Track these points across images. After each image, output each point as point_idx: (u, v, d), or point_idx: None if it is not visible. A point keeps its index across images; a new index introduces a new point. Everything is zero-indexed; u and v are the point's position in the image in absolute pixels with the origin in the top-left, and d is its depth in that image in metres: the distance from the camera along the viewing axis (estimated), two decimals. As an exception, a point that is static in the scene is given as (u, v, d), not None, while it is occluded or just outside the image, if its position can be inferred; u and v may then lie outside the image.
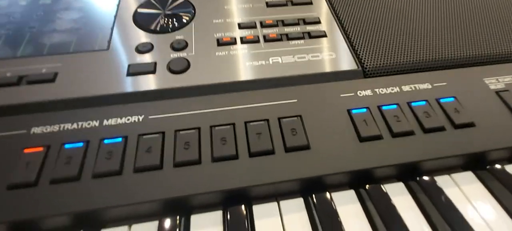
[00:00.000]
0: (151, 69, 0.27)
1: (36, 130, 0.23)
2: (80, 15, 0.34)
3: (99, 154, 0.22)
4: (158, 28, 0.31)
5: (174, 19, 0.32)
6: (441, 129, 0.24)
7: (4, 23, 0.33)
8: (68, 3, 0.35)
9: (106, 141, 0.22)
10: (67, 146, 0.22)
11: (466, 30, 0.33)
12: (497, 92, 0.27)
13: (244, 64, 0.29)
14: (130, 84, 0.26)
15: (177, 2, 0.34)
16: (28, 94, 0.25)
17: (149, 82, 0.27)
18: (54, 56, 0.29)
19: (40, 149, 0.22)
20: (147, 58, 0.29)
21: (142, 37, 0.31)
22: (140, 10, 0.33)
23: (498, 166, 0.24)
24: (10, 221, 0.19)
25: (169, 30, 0.31)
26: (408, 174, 0.23)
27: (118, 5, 0.34)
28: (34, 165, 0.21)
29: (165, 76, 0.27)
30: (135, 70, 0.27)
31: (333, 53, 0.30)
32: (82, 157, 0.21)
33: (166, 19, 0.32)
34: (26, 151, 0.22)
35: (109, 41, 0.30)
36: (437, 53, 0.30)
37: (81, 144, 0.22)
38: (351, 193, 0.22)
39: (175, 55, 0.29)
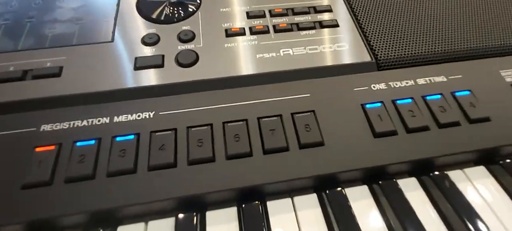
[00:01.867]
0: (159, 62, 0.27)
1: (46, 127, 0.23)
2: (81, 3, 0.33)
3: (112, 151, 0.22)
4: (163, 18, 0.30)
5: (180, 8, 0.31)
6: (456, 124, 0.24)
7: (2, 13, 0.32)
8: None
9: (118, 138, 0.22)
10: (78, 143, 0.22)
11: (482, 20, 0.32)
12: (514, 85, 0.28)
13: (254, 56, 0.28)
14: (138, 79, 0.26)
15: (183, -10, 0.34)
16: (35, 89, 0.25)
17: (157, 77, 0.26)
18: (57, 49, 0.28)
19: (52, 147, 0.22)
20: (154, 50, 0.28)
21: (148, 27, 0.30)
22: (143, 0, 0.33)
23: (509, 161, 0.25)
24: (27, 221, 0.19)
25: (175, 20, 0.30)
26: (421, 169, 0.23)
27: (120, -7, 0.34)
28: (47, 164, 0.21)
29: (174, 70, 0.27)
30: (142, 64, 0.26)
31: (345, 44, 0.30)
32: (95, 155, 0.21)
33: (171, 8, 0.31)
34: (38, 149, 0.22)
35: (113, 32, 0.29)
36: (453, 44, 0.30)
37: (93, 142, 0.22)
38: (365, 188, 0.23)
39: (182, 47, 0.28)
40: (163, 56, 0.27)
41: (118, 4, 0.32)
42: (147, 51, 0.28)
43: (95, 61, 0.27)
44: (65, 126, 0.23)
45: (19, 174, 0.21)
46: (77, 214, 0.20)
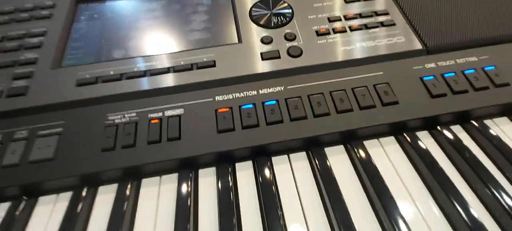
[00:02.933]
0: (277, 55, 0.40)
1: (219, 98, 0.36)
2: (207, 17, 0.46)
3: (265, 110, 0.35)
4: (271, 24, 0.43)
5: (281, 17, 0.44)
6: (486, 88, 0.36)
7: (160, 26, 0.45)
8: (195, 7, 0.47)
9: (266, 103, 0.35)
10: (243, 106, 0.35)
11: (502, 11, 0.43)
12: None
13: (339, 48, 0.40)
14: (266, 66, 0.39)
15: (280, 3, 0.46)
16: (202, 75, 0.38)
17: (279, 64, 0.39)
18: (205, 49, 0.41)
19: (227, 109, 0.35)
20: (270, 47, 0.41)
21: (262, 31, 0.43)
22: (254, 11, 0.45)
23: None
24: (218, 151, 0.31)
25: (279, 25, 0.43)
26: (464, 118, 0.35)
27: (233, 8, 0.46)
28: (228, 119, 0.34)
29: (288, 59, 0.39)
30: (267, 57, 0.39)
31: (402, 37, 0.41)
32: (255, 112, 0.34)
33: (275, 17, 0.44)
34: (219, 110, 0.35)
35: (239, 36, 0.42)
36: (480, 33, 0.41)
37: (251, 106, 0.35)
38: (426, 133, 0.35)
39: (289, 44, 0.41)
40: (278, 50, 0.40)
41: (235, 16, 0.45)
42: (266, 48, 0.41)
43: (235, 56, 0.40)
44: (230, 97, 0.36)
45: (213, 124, 0.33)
46: (248, 148, 0.32)
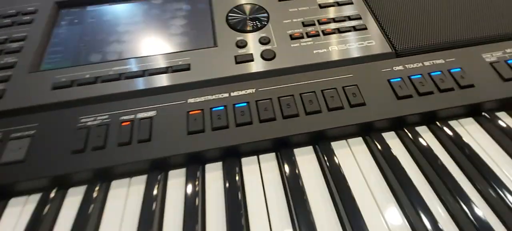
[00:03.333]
0: (251, 58, 0.41)
1: (191, 100, 0.36)
2: (185, 21, 0.47)
3: (235, 112, 0.35)
4: (247, 29, 0.44)
5: (257, 21, 0.45)
6: (451, 89, 0.37)
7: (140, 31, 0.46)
8: (174, 13, 0.48)
9: (237, 105, 0.36)
10: (214, 108, 0.35)
11: (469, 17, 0.45)
12: (491, 63, 0.40)
13: (312, 52, 0.42)
14: (239, 69, 0.40)
15: (255, 9, 0.47)
16: (176, 78, 0.38)
17: (252, 67, 0.40)
18: (181, 53, 0.41)
19: (199, 111, 0.35)
20: (244, 50, 0.42)
21: (237, 35, 0.44)
22: (230, 16, 0.46)
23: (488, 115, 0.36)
24: (188, 152, 0.32)
25: (255, 29, 0.44)
26: (430, 118, 0.36)
27: (211, 13, 0.47)
28: (199, 120, 0.35)
29: (261, 62, 0.40)
30: (240, 60, 0.40)
31: (373, 41, 0.42)
32: (226, 114, 0.35)
33: (251, 22, 0.45)
34: (191, 113, 0.35)
35: (215, 40, 0.43)
36: (448, 37, 0.43)
37: (222, 108, 0.36)
38: (392, 133, 0.35)
39: (263, 48, 0.42)
40: (252, 54, 0.41)
41: (212, 20, 0.46)
42: (241, 51, 0.42)
43: (209, 59, 0.41)
44: (202, 99, 0.36)
45: (184, 126, 0.34)
46: (217, 148, 0.32)
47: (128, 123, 0.35)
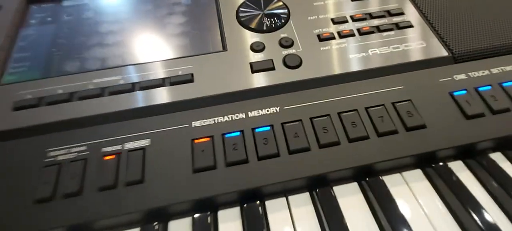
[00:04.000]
0: (271, 66, 0.32)
1: (196, 123, 0.28)
2: (186, 19, 0.38)
3: (256, 140, 0.27)
4: (263, 28, 0.36)
5: (275, 18, 0.37)
6: (532, 104, 0.29)
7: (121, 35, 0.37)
8: (171, 8, 0.40)
9: (257, 130, 0.28)
10: (227, 135, 0.27)
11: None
12: None
13: (347, 57, 0.33)
14: (257, 80, 0.31)
15: (273, 2, 0.38)
16: (176, 93, 0.30)
17: (273, 78, 0.31)
18: (181, 59, 0.33)
19: (207, 139, 0.27)
20: (262, 56, 0.33)
21: (252, 36, 0.35)
22: (242, 11, 0.37)
23: None
24: (194, 199, 0.24)
25: (273, 28, 0.35)
26: (506, 145, 0.28)
27: (218, 8, 0.38)
28: (208, 152, 0.26)
29: (284, 71, 0.32)
30: (258, 68, 0.32)
31: (423, 42, 0.34)
32: (243, 143, 0.27)
33: (267, 18, 0.37)
34: (196, 141, 0.27)
35: (224, 43, 0.35)
36: (517, 37, 0.34)
37: (238, 133, 0.27)
38: (460, 163, 0.27)
39: (285, 52, 0.34)
40: (272, 60, 0.33)
41: (219, 18, 0.37)
42: (258, 57, 0.33)
43: (218, 67, 0.32)
44: (211, 122, 0.28)
45: (187, 160, 0.25)
46: (233, 193, 0.24)
47: (113, 156, 0.26)
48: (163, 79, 0.31)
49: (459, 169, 0.27)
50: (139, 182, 0.25)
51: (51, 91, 0.31)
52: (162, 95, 0.30)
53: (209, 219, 0.25)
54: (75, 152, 0.27)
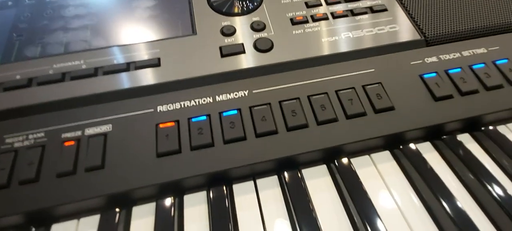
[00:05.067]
0: (241, 50, 0.32)
1: (162, 108, 0.28)
2: (154, 2, 0.37)
3: (223, 124, 0.27)
4: (234, 11, 0.35)
5: (247, 2, 0.36)
6: (500, 86, 0.30)
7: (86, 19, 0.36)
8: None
9: (225, 114, 0.27)
10: (194, 119, 0.27)
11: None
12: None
13: (320, 40, 0.33)
14: (227, 64, 0.31)
15: (246, -15, 0.38)
16: (141, 78, 0.30)
17: (243, 62, 0.31)
18: (148, 43, 0.32)
19: (172, 124, 0.27)
20: (233, 40, 0.33)
21: (222, 20, 0.35)
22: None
23: None
24: (160, 183, 0.24)
25: (245, 12, 0.35)
26: (474, 124, 0.29)
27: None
28: (173, 137, 0.26)
29: (255, 55, 0.32)
30: (227, 52, 0.32)
31: (396, 26, 0.35)
32: (209, 127, 0.27)
33: (239, 2, 0.36)
34: (161, 126, 0.27)
35: (193, 26, 0.34)
36: (489, 20, 0.35)
37: (204, 118, 0.27)
38: (428, 144, 0.28)
39: (257, 35, 0.33)
40: (242, 44, 0.32)
41: (190, 1, 0.37)
42: (228, 40, 0.33)
43: (186, 51, 0.32)
44: (177, 106, 0.28)
45: (152, 146, 0.25)
46: (199, 176, 0.24)
47: (73, 142, 0.25)
48: (128, 63, 0.31)
49: (427, 150, 0.28)
50: (99, 167, 0.24)
51: (9, 77, 0.30)
52: (126, 80, 0.30)
53: (173, 203, 0.24)
54: (32, 138, 0.26)
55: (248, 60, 0.31)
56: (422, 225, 0.23)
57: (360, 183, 0.25)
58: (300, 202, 0.24)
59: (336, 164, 0.27)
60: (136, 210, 0.25)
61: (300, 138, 0.26)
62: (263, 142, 0.26)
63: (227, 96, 0.29)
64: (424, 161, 0.26)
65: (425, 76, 0.30)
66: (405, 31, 0.34)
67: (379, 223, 0.22)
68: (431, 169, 0.26)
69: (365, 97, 0.29)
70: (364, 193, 0.24)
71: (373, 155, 0.28)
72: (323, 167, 0.27)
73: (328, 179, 0.26)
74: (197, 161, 0.25)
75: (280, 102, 0.28)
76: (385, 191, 0.25)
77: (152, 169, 0.25)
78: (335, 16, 0.35)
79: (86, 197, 0.23)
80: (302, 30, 0.34)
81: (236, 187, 0.26)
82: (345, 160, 0.26)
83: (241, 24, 0.34)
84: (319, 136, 0.26)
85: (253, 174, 0.27)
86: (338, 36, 0.33)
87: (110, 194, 0.24)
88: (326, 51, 0.32)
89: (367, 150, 0.28)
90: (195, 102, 0.28)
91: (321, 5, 0.36)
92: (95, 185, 0.24)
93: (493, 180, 0.25)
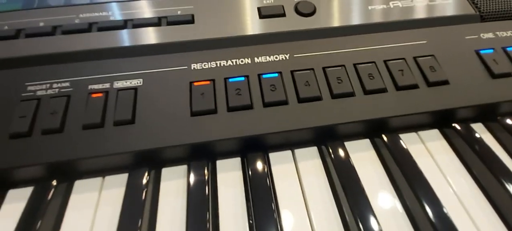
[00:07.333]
0: (281, 12, 0.30)
1: (196, 66, 0.26)
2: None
3: (263, 86, 0.25)
4: (273, -28, 0.33)
5: (287, -37, 0.34)
6: None
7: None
8: None
9: (264, 75, 0.26)
10: (231, 79, 0.25)
11: None
12: None
13: (366, 7, 0.31)
14: (265, 26, 0.29)
15: None
16: (174, 34, 0.28)
17: (282, 24, 0.29)
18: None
19: (208, 82, 0.25)
20: (272, 1, 0.31)
21: (259, -19, 0.33)
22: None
23: None
24: (194, 142, 0.22)
25: (284, -26, 0.33)
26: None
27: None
28: (209, 96, 0.24)
29: (296, 18, 0.30)
30: (266, 13, 0.30)
31: (448, -2, 0.33)
32: (248, 88, 0.25)
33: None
34: (196, 84, 0.25)
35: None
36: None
37: (243, 78, 0.26)
38: (480, 125, 0.26)
39: (298, -2, 0.32)
40: (283, 6, 0.31)
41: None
42: (267, 1, 0.31)
43: (222, 10, 0.30)
44: (212, 66, 0.26)
45: (185, 103, 0.24)
46: (234, 139, 0.23)
47: (101, 94, 0.24)
48: (160, 18, 0.29)
49: (480, 130, 0.26)
50: (129, 122, 0.23)
51: (31, 23, 0.28)
52: (158, 35, 0.28)
53: (206, 167, 0.23)
54: (57, 88, 0.25)
55: (288, 23, 0.30)
56: (481, 211, 0.21)
57: (413, 161, 0.23)
58: (348, 177, 0.22)
59: (384, 138, 0.25)
60: (166, 172, 0.24)
61: (345, 106, 0.25)
62: (305, 108, 0.24)
63: (266, 59, 0.27)
64: (479, 141, 0.24)
65: (482, 52, 0.28)
66: (458, 4, 0.32)
67: (439, 207, 0.20)
68: (489, 150, 0.24)
69: (417, 69, 0.27)
70: (419, 172, 0.22)
71: (421, 133, 0.26)
72: (366, 141, 0.25)
73: (373, 153, 0.25)
74: (234, 123, 0.23)
75: (324, 68, 0.26)
76: (438, 172, 0.23)
77: (186, 128, 0.23)
78: (382, -16, 0.34)
79: (115, 152, 0.22)
80: (346, -4, 0.33)
81: (273, 156, 0.24)
82: (393, 135, 0.25)
83: (280, -15, 0.33)
84: (366, 105, 0.25)
85: (290, 144, 0.25)
86: (386, 4, 0.31)
87: (141, 150, 0.22)
88: (373, 19, 0.30)
89: (414, 126, 0.26)
90: (232, 62, 0.26)
91: (366, -28, 0.35)
92: (125, 140, 0.22)
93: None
